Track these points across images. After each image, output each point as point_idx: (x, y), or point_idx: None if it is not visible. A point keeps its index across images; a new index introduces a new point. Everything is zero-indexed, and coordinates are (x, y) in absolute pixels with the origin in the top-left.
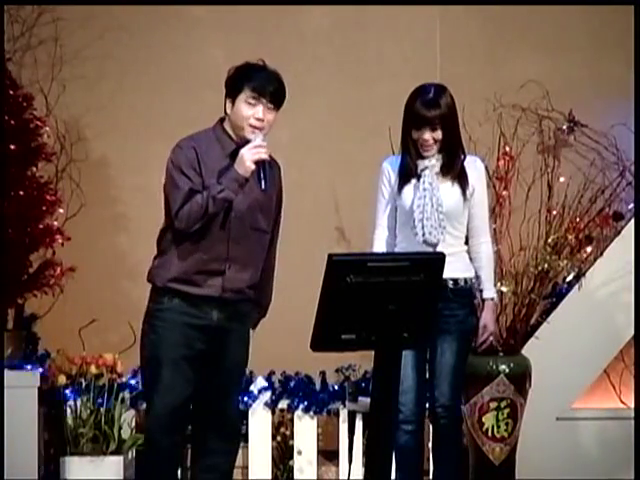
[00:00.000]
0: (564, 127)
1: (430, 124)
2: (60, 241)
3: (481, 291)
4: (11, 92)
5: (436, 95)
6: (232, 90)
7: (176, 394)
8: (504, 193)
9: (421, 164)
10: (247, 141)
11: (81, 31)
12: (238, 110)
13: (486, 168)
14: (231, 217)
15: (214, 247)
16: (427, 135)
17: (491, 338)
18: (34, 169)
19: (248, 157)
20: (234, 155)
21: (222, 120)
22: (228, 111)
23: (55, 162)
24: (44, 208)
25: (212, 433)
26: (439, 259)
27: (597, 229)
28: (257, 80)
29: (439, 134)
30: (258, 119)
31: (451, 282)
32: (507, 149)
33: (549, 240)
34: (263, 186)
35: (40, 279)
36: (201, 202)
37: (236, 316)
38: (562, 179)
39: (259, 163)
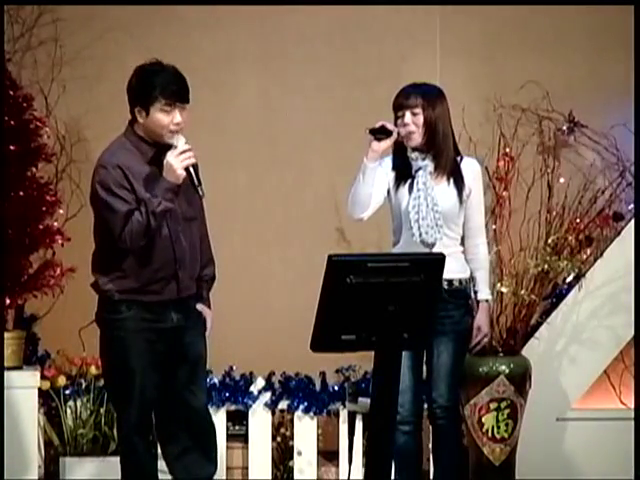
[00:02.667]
0: (564, 128)
1: (410, 106)
2: (60, 242)
3: (476, 292)
4: (11, 93)
5: (418, 84)
6: (142, 100)
7: (145, 401)
8: (504, 194)
9: (415, 165)
10: (165, 144)
11: (81, 32)
12: (155, 120)
13: (486, 169)
14: (167, 220)
15: (161, 253)
16: (408, 118)
17: (485, 339)
18: (34, 169)
19: (177, 165)
20: (154, 160)
21: (132, 124)
22: (141, 120)
23: (55, 163)
24: (44, 209)
25: (184, 432)
26: (439, 260)
27: (597, 230)
28: (165, 86)
29: (420, 118)
30: (177, 124)
31: (446, 283)
32: (507, 150)
33: (549, 241)
34: (201, 192)
35: (40, 279)
36: (142, 220)
37: (190, 313)
38: (562, 180)
39: (188, 168)
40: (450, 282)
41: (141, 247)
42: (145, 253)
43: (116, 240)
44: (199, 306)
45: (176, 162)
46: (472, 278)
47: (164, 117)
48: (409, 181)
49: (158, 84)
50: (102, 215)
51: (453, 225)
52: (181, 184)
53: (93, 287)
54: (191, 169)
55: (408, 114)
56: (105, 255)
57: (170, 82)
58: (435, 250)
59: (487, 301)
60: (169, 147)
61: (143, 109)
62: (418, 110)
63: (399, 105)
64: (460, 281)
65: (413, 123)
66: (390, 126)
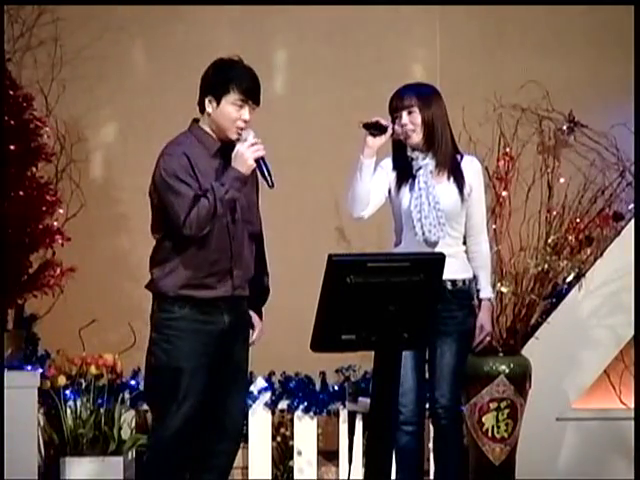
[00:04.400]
0: (564, 127)
1: (405, 106)
2: (60, 241)
3: (478, 291)
4: (11, 92)
5: (412, 84)
6: (216, 90)
7: (193, 403)
8: (504, 193)
9: (415, 164)
10: (229, 141)
11: (81, 31)
12: (224, 112)
13: (486, 168)
14: (235, 216)
15: (219, 247)
16: (404, 118)
17: (488, 338)
18: (34, 169)
19: (249, 155)
20: (218, 155)
21: (196, 120)
22: (209, 110)
23: (55, 162)
24: (44, 208)
25: (215, 434)
26: (439, 259)
27: (597, 229)
28: (244, 82)
29: (417, 117)
30: (245, 121)
31: (449, 283)
32: (507, 149)
33: (549, 240)
34: (271, 182)
35: (40, 279)
36: (208, 205)
37: (241, 317)
38: (562, 179)
39: (258, 160)
40: (454, 282)
41: (200, 238)
42: (203, 246)
43: (179, 227)
44: (251, 312)
45: (248, 152)
46: (474, 277)
47: (234, 111)
48: (410, 181)
49: (235, 77)
50: (166, 201)
51: (455, 224)
52: (249, 190)
53: (148, 287)
54: (261, 161)
55: (404, 114)
56: (164, 248)
57: (247, 79)
58: (438, 249)
59: (489, 299)
60: (232, 144)
61: (215, 99)
62: (414, 109)
63: (395, 107)
64: (463, 281)
65: (410, 122)
66: (384, 122)
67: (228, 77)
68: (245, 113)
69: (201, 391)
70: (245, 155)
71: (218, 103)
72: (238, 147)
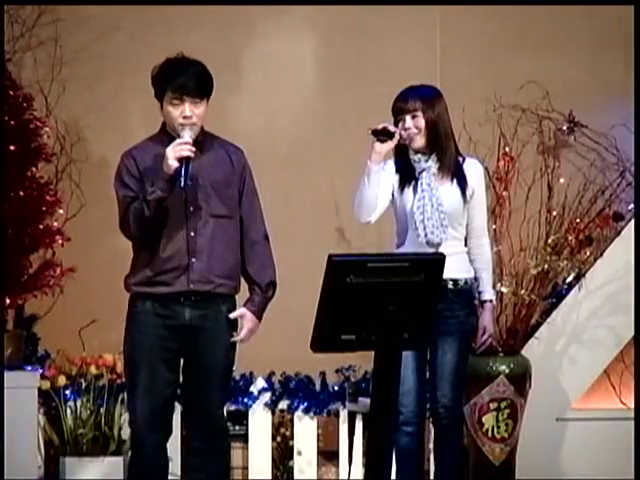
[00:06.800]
0: (564, 128)
1: (409, 110)
2: (60, 242)
3: (480, 292)
4: (11, 93)
5: (415, 87)
6: (157, 93)
7: (154, 396)
8: (504, 194)
9: (418, 167)
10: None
11: (81, 31)
12: (166, 112)
13: (486, 169)
14: (187, 210)
15: (173, 244)
16: (408, 122)
17: (490, 339)
18: (34, 169)
19: (170, 155)
20: None
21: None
22: (161, 112)
23: (55, 163)
24: (44, 209)
25: (196, 433)
26: (439, 260)
27: (597, 230)
28: (175, 79)
29: (420, 121)
30: (185, 117)
31: (451, 283)
32: (507, 150)
33: (549, 241)
34: (182, 184)
35: (40, 279)
36: (138, 207)
37: (209, 314)
38: (562, 180)
39: (182, 160)
40: (455, 282)
41: (152, 236)
42: (157, 243)
43: (119, 228)
44: (235, 313)
45: (170, 152)
46: (476, 278)
47: (173, 110)
48: (413, 183)
49: (167, 77)
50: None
51: (458, 225)
52: (214, 182)
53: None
54: (184, 162)
55: (408, 118)
56: (133, 248)
57: (178, 75)
58: (440, 251)
59: (491, 301)
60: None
61: (159, 101)
62: (418, 113)
63: (398, 110)
64: (465, 281)
65: (414, 126)
66: (392, 128)
67: (162, 78)
68: (185, 110)
69: (163, 384)
70: (167, 154)
71: (162, 105)
72: (167, 148)
